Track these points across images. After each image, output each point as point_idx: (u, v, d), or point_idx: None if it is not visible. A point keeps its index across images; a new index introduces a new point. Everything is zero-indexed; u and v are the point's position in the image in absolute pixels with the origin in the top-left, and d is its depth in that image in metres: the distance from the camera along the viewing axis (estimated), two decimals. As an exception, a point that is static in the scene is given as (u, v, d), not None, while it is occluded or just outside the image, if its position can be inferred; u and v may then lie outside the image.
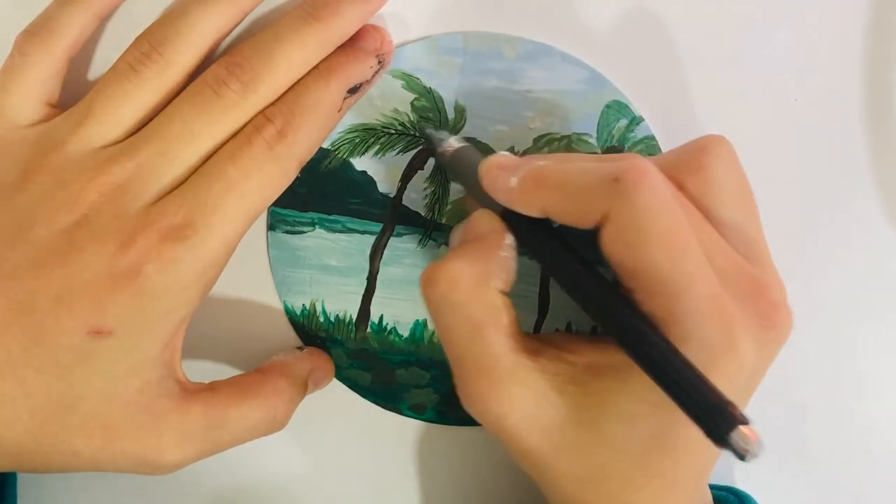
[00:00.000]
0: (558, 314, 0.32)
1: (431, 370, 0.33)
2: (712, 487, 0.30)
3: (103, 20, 0.30)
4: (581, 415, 0.26)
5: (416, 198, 0.32)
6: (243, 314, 0.32)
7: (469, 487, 0.34)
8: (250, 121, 0.28)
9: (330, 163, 0.32)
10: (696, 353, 0.24)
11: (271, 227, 0.32)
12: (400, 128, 0.32)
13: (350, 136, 0.31)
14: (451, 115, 0.31)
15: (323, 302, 0.32)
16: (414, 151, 0.32)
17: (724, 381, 0.24)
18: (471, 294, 0.27)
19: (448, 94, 0.31)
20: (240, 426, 0.29)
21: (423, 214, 0.32)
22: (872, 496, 0.34)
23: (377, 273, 0.32)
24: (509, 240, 0.27)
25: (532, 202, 0.26)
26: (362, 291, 0.32)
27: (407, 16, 0.31)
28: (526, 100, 0.31)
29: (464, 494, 0.34)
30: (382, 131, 0.32)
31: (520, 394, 0.26)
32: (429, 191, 0.32)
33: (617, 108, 0.32)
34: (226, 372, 0.33)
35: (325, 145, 0.31)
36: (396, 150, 0.32)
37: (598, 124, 0.32)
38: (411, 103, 0.31)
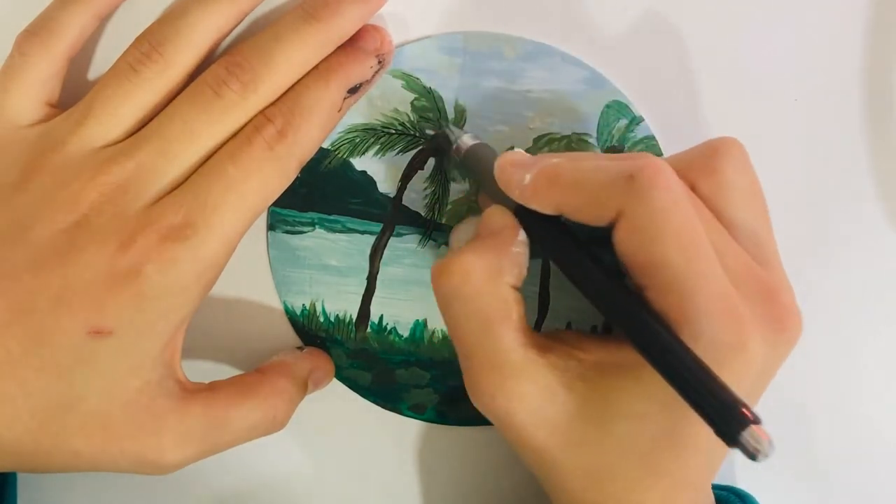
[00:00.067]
0: (558, 314, 0.32)
1: (431, 370, 0.33)
2: (714, 487, 0.30)
3: (103, 20, 0.30)
4: (589, 412, 0.26)
5: (416, 198, 0.32)
6: (243, 314, 0.32)
7: (469, 487, 0.34)
8: (250, 121, 0.28)
9: (330, 163, 0.32)
10: (707, 353, 0.24)
11: (271, 227, 0.32)
12: (400, 128, 0.32)
13: (350, 136, 0.31)
14: (451, 115, 0.31)
15: (323, 302, 0.32)
16: (414, 151, 0.32)
17: (733, 380, 0.24)
18: (483, 288, 0.27)
19: (448, 94, 0.31)
20: (240, 426, 0.29)
21: (423, 214, 0.32)
22: (872, 496, 0.34)
23: (377, 273, 0.32)
24: (522, 236, 0.28)
25: (546, 199, 0.27)
26: (362, 291, 0.32)
27: (407, 16, 0.31)
28: (526, 100, 0.31)
29: (464, 494, 0.34)
30: (382, 131, 0.32)
31: (528, 389, 0.26)
32: (429, 191, 0.32)
33: (617, 108, 0.32)
34: (226, 372, 0.33)
35: (325, 145, 0.31)
36: (396, 150, 0.32)
37: (598, 124, 0.32)
38: (411, 103, 0.31)
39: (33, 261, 0.26)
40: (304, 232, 0.32)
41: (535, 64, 0.31)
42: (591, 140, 0.32)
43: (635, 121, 0.32)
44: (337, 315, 0.32)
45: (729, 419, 0.22)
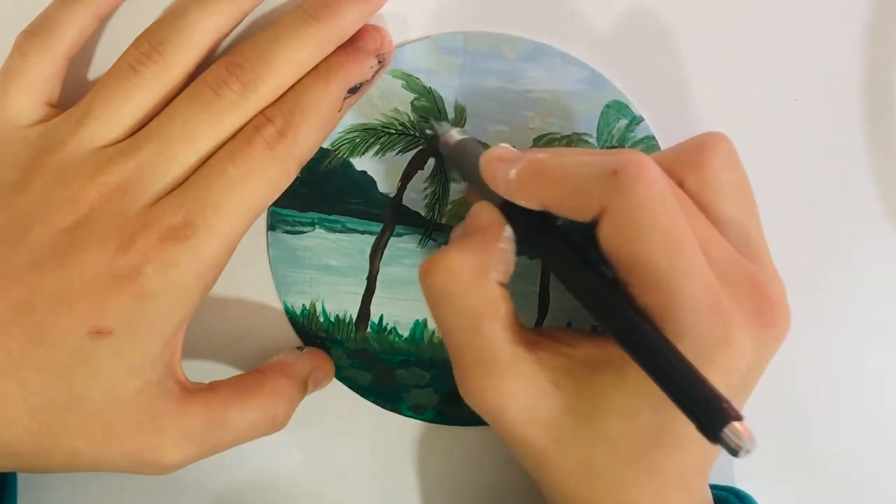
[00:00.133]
0: (558, 314, 0.32)
1: (431, 370, 0.33)
2: (712, 487, 0.30)
3: (103, 20, 0.30)
4: (578, 409, 0.26)
5: (416, 198, 0.32)
6: (243, 314, 0.32)
7: (469, 487, 0.34)
8: (250, 121, 0.28)
9: (330, 163, 0.32)
10: (692, 349, 0.24)
11: (271, 227, 0.32)
12: (400, 128, 0.32)
13: (350, 136, 0.31)
14: (451, 114, 0.31)
15: (323, 302, 0.32)
16: (414, 151, 0.32)
17: (719, 376, 0.24)
18: (469, 285, 0.27)
19: (448, 94, 0.31)
20: (240, 426, 0.29)
21: (423, 214, 0.32)
22: (872, 496, 0.34)
23: (377, 273, 0.32)
24: (508, 232, 0.27)
25: (530, 194, 0.26)
26: (362, 291, 0.32)
27: (407, 16, 0.31)
28: (526, 100, 0.31)
29: (464, 494, 0.34)
30: (382, 131, 0.32)
31: (517, 386, 0.26)
32: (429, 191, 0.32)
33: (617, 108, 0.32)
34: (226, 372, 0.33)
35: (325, 145, 0.31)
36: (396, 150, 0.32)
37: (598, 124, 0.32)
38: (411, 103, 0.31)
39: (33, 261, 0.26)
40: (304, 232, 0.32)
41: (535, 64, 0.31)
42: (591, 140, 0.32)
43: (635, 121, 0.32)
44: (337, 315, 0.32)
45: (710, 415, 0.22)
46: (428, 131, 0.31)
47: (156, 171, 0.27)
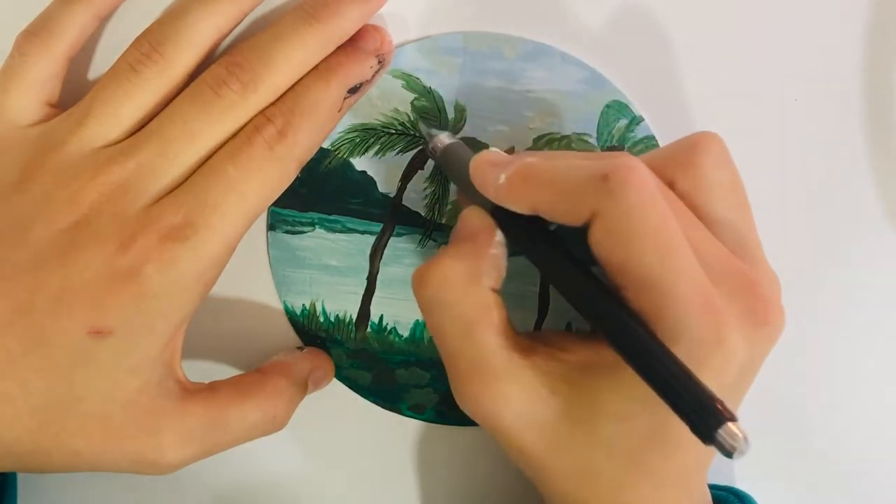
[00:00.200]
0: (558, 314, 0.32)
1: (431, 370, 0.33)
2: (712, 487, 0.30)
3: (103, 20, 0.30)
4: (574, 413, 0.26)
5: (416, 198, 0.32)
6: (243, 314, 0.32)
7: (469, 487, 0.34)
8: (250, 121, 0.28)
9: (330, 163, 0.32)
10: (685, 350, 0.24)
11: (271, 227, 0.32)
12: (400, 128, 0.32)
13: (350, 136, 0.31)
14: (451, 115, 0.31)
15: (323, 302, 0.32)
16: (414, 151, 0.32)
17: (713, 377, 0.24)
18: (462, 292, 0.27)
19: (448, 94, 0.31)
20: (240, 426, 0.29)
21: (423, 214, 0.32)
22: (872, 496, 0.34)
23: (377, 273, 0.32)
24: (499, 237, 0.27)
25: (521, 199, 0.26)
26: (362, 291, 0.32)
27: (407, 16, 0.31)
28: (526, 100, 0.31)
29: (464, 494, 0.34)
30: (382, 131, 0.32)
31: (513, 392, 0.26)
32: (429, 191, 0.32)
33: (617, 108, 0.32)
34: (226, 372, 0.33)
35: (325, 145, 0.31)
36: (396, 150, 0.32)
37: (598, 124, 0.32)
38: (411, 103, 0.31)
39: (33, 261, 0.26)
40: (304, 232, 0.32)
41: (535, 64, 0.31)
42: (591, 140, 0.32)
43: (635, 121, 0.32)
44: (337, 315, 0.32)
45: (704, 417, 0.22)
46: (423, 139, 0.31)
47: (156, 171, 0.27)
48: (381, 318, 0.32)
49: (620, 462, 0.26)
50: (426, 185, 0.32)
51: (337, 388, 0.33)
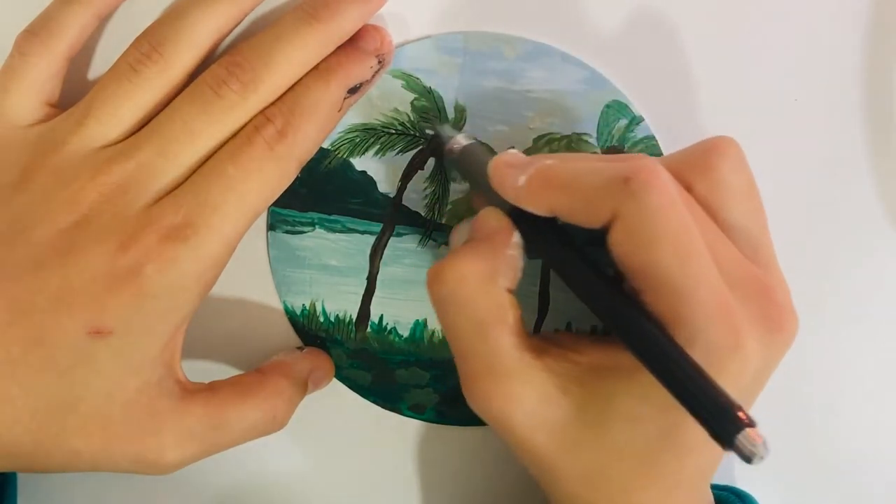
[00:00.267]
0: (558, 314, 0.32)
1: (431, 370, 0.33)
2: (713, 487, 0.30)
3: (103, 20, 0.30)
4: (585, 415, 0.26)
5: (416, 198, 0.32)
6: (243, 314, 0.32)
7: (469, 487, 0.34)
8: (250, 121, 0.28)
9: (330, 163, 0.32)
10: (702, 355, 0.24)
11: (271, 227, 0.32)
12: (400, 128, 0.32)
13: (350, 136, 0.31)
14: (451, 115, 0.31)
15: (323, 302, 0.32)
16: (414, 151, 0.32)
17: (729, 381, 0.24)
18: (478, 291, 0.27)
19: (448, 94, 0.31)
20: (240, 426, 0.29)
21: (423, 214, 0.32)
22: (873, 496, 0.34)
23: (377, 273, 0.32)
24: (517, 238, 0.27)
25: (540, 201, 0.26)
26: (362, 291, 0.32)
27: (407, 16, 0.31)
28: (526, 100, 0.31)
29: (464, 494, 0.34)
30: (382, 131, 0.32)
31: (524, 392, 0.26)
32: (429, 191, 0.32)
33: (617, 108, 0.32)
34: (226, 372, 0.33)
35: (325, 145, 0.31)
36: (396, 150, 0.32)
37: (598, 124, 0.32)
38: (411, 103, 0.31)
39: (33, 261, 0.26)
40: (304, 232, 0.32)
41: (535, 64, 0.31)
42: (591, 140, 0.32)
43: (635, 121, 0.32)
44: (337, 315, 0.32)
45: (724, 422, 0.22)
46: (428, 131, 0.31)
47: (156, 171, 0.27)
48: (381, 318, 0.32)
49: (631, 465, 0.26)
50: (426, 185, 0.32)
51: (337, 388, 0.33)
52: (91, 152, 0.27)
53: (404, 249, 0.32)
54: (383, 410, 0.33)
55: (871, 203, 0.33)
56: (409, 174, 0.32)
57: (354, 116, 0.31)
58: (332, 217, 0.32)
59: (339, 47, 0.29)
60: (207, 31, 0.28)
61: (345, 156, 0.32)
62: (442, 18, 0.31)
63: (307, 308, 0.32)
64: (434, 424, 0.33)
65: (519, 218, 0.27)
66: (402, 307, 0.32)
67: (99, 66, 0.31)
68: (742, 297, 0.25)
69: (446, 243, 0.32)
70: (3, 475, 0.31)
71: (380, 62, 0.30)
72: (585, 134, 0.32)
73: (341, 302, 0.32)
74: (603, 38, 0.32)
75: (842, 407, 0.34)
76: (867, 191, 0.33)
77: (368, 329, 0.32)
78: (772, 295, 0.26)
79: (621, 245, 0.25)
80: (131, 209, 0.27)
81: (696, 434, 0.22)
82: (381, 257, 0.32)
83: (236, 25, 0.29)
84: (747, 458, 0.21)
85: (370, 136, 0.31)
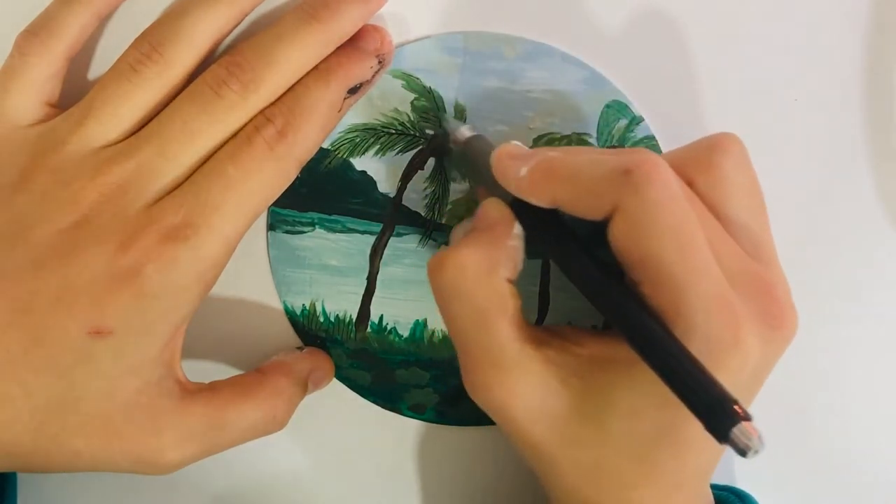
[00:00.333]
0: (558, 314, 0.32)
1: (431, 370, 0.33)
2: (713, 487, 0.30)
3: (103, 20, 0.30)
4: (585, 408, 0.26)
5: (416, 198, 0.32)
6: (243, 314, 0.32)
7: (469, 487, 0.34)
8: (250, 121, 0.28)
9: (330, 163, 0.32)
10: (701, 349, 0.24)
11: (271, 227, 0.32)
12: (400, 128, 0.32)
13: (350, 136, 0.31)
14: (451, 115, 0.31)
15: (323, 302, 0.32)
16: (414, 151, 0.32)
17: (727, 377, 0.24)
18: (478, 282, 0.27)
19: (448, 94, 0.31)
20: (240, 426, 0.29)
21: (423, 214, 0.32)
22: (872, 496, 0.34)
23: (377, 273, 0.32)
24: (518, 229, 0.28)
25: (542, 192, 0.26)
26: (362, 291, 0.32)
27: (407, 16, 0.31)
28: (526, 100, 0.31)
29: (464, 494, 0.34)
30: (382, 131, 0.32)
31: (524, 383, 0.26)
32: (429, 191, 0.32)
33: (617, 108, 0.32)
34: (226, 372, 0.33)
35: (325, 145, 0.31)
36: (396, 150, 0.32)
37: (598, 124, 0.32)
38: (411, 103, 0.31)
39: (33, 261, 0.26)
40: (304, 232, 0.32)
41: (535, 64, 0.31)
42: (591, 140, 0.32)
43: (635, 121, 0.32)
44: (337, 315, 0.32)
45: (720, 416, 0.22)
46: (428, 131, 0.31)
47: (156, 171, 0.27)
48: (381, 318, 0.32)
49: (629, 459, 0.26)
50: (426, 185, 0.32)
51: (337, 388, 0.33)
52: (91, 152, 0.27)
53: (404, 249, 0.32)
54: (383, 410, 0.33)
55: (871, 203, 0.33)
56: (409, 174, 0.32)
57: (354, 116, 0.31)
58: (332, 217, 0.32)
59: (339, 47, 0.29)
60: (207, 32, 0.28)
61: (345, 156, 0.32)
62: (442, 18, 0.31)
63: (307, 308, 0.32)
64: (434, 424, 0.33)
65: (520, 209, 0.27)
66: (402, 307, 0.32)
67: (99, 66, 0.31)
68: (742, 292, 0.25)
69: (446, 243, 0.32)
70: (3, 475, 0.31)
71: (380, 62, 0.30)
72: (585, 134, 0.32)
73: (341, 302, 0.32)
74: (603, 38, 0.32)
75: (842, 407, 0.34)
76: (867, 191, 0.33)
77: (368, 329, 0.32)
78: (772, 291, 0.26)
79: (622, 237, 0.25)
80: (131, 209, 0.27)
81: (695, 431, 0.22)
82: (381, 257, 0.32)
83: (236, 25, 0.29)
84: (742, 452, 0.21)
85: (370, 136, 0.31)
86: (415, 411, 0.33)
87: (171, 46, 0.28)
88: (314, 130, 0.28)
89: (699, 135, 0.28)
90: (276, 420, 0.30)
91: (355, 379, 0.33)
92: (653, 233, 0.25)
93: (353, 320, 0.32)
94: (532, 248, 0.28)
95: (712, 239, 0.25)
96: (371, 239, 0.32)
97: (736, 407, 0.22)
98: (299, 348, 0.32)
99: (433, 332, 0.32)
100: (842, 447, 0.34)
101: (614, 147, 0.32)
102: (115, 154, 0.27)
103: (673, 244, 0.24)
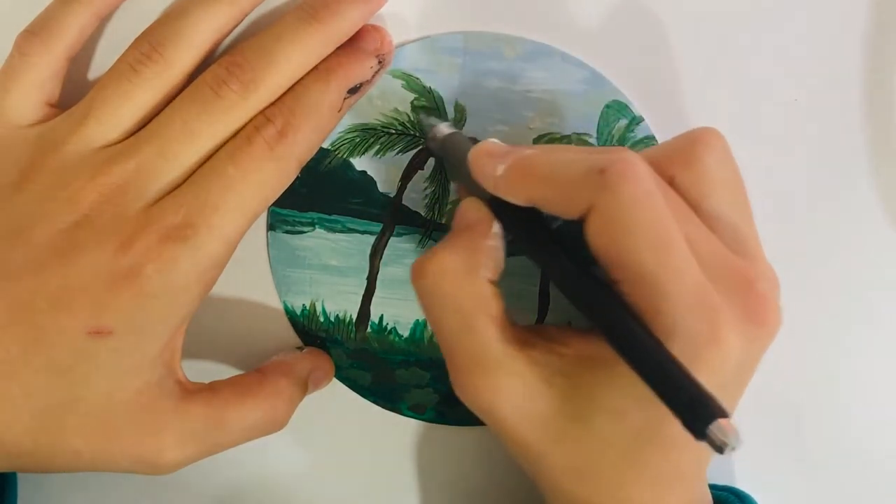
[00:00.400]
0: (559, 314, 0.32)
1: (431, 370, 0.33)
2: (712, 487, 0.30)
3: (103, 20, 0.30)
4: (570, 407, 0.26)
5: (416, 198, 0.32)
6: (243, 314, 0.32)
7: (469, 487, 0.34)
8: (250, 121, 0.28)
9: (330, 163, 0.32)
10: (680, 346, 0.24)
11: (271, 227, 0.32)
12: (400, 128, 0.32)
13: (350, 136, 0.31)
14: (451, 115, 0.31)
15: (323, 302, 0.32)
16: (414, 151, 0.32)
17: (708, 374, 0.24)
18: (459, 284, 0.27)
19: (448, 94, 0.31)
20: (240, 426, 0.29)
21: (423, 214, 0.32)
22: (872, 496, 0.34)
23: (377, 273, 0.32)
24: (497, 228, 0.27)
25: (518, 191, 0.26)
26: (362, 291, 0.32)
27: (407, 16, 0.31)
28: (526, 100, 0.31)
29: (464, 494, 0.34)
30: (382, 131, 0.32)
31: (510, 384, 0.26)
32: (429, 191, 0.32)
33: (617, 108, 0.32)
34: (226, 372, 0.33)
35: (325, 145, 0.31)
36: (396, 150, 0.32)
37: (598, 124, 0.32)
38: (411, 103, 0.31)
39: (33, 261, 0.26)
40: (304, 232, 0.32)
41: (535, 64, 0.31)
42: (591, 140, 0.32)
43: (635, 121, 0.32)
44: (337, 315, 0.32)
45: (696, 412, 0.22)
46: (423, 139, 0.31)
47: (155, 171, 0.27)
48: (381, 318, 0.32)
49: (615, 459, 0.26)
50: (426, 185, 0.32)
51: (337, 388, 0.33)
52: (91, 152, 0.27)
53: (404, 249, 0.32)
54: (383, 410, 0.33)
55: (871, 203, 0.33)
56: (409, 174, 0.32)
57: (354, 116, 0.31)
58: (332, 217, 0.32)
59: (339, 47, 0.29)
60: (207, 32, 0.28)
61: (345, 156, 0.32)
62: (442, 18, 0.31)
63: (307, 308, 0.32)
64: (434, 424, 0.33)
65: (499, 208, 0.27)
66: (402, 307, 0.32)
67: (99, 66, 0.31)
68: (723, 289, 0.25)
69: (446, 243, 0.32)
70: (3, 475, 0.31)
71: (380, 62, 0.30)
72: (585, 134, 0.32)
73: (341, 302, 0.32)
74: (603, 38, 0.32)
75: (841, 406, 0.34)
76: (867, 191, 0.33)
77: (368, 329, 0.32)
78: (754, 286, 0.26)
79: (598, 236, 0.25)
80: (131, 209, 0.27)
81: (678, 429, 0.22)
82: (381, 257, 0.32)
83: (236, 26, 0.29)
84: (719, 449, 0.21)
85: (370, 136, 0.32)
86: (415, 411, 0.33)
87: (171, 46, 0.28)
88: (314, 130, 0.28)
89: (699, 135, 0.28)
90: (276, 420, 0.30)
91: (355, 379, 0.33)
92: (627, 231, 0.24)
93: (354, 320, 0.32)
94: (514, 246, 0.28)
95: (691, 235, 0.25)
96: (371, 239, 0.32)
97: (712, 404, 0.22)
98: (299, 348, 0.32)
99: (433, 333, 0.32)
100: (842, 447, 0.34)
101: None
102: (115, 154, 0.27)
103: (648, 242, 0.24)
